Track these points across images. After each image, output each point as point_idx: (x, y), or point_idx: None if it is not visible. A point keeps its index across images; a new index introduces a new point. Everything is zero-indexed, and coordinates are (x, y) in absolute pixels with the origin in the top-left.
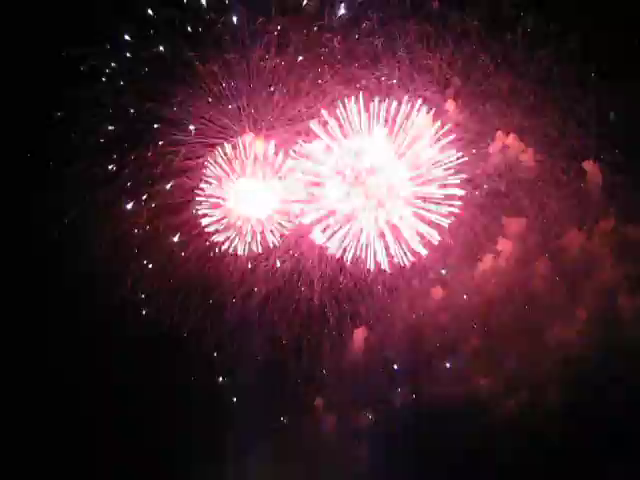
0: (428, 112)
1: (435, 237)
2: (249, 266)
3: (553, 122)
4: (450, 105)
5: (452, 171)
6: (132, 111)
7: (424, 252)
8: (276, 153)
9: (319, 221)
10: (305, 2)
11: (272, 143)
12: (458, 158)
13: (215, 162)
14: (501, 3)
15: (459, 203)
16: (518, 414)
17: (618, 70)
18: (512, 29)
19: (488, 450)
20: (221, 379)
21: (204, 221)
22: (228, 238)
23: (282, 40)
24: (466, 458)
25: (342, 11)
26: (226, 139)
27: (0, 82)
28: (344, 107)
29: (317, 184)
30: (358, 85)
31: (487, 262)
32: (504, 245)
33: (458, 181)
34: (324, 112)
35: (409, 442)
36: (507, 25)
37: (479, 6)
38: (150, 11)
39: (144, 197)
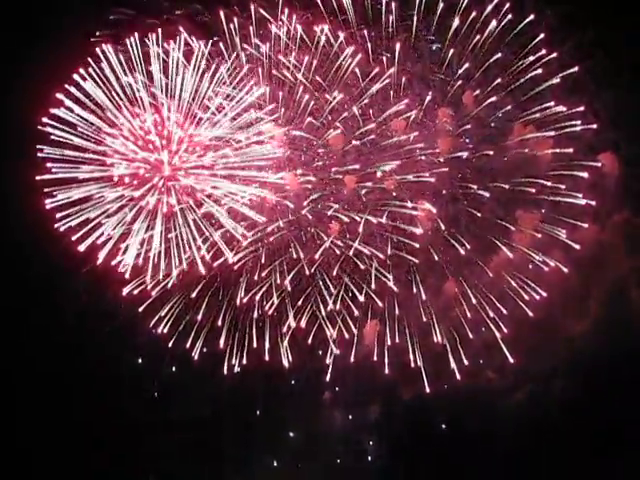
0: (447, 106)
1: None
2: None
3: (571, 114)
4: (468, 98)
5: None
6: None
7: None
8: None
9: None
10: None
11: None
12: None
13: None
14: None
15: None
16: (526, 407)
17: (636, 62)
18: (532, 23)
19: (496, 441)
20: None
21: None
22: None
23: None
24: (474, 451)
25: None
26: None
27: None
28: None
29: None
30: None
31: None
32: (518, 238)
33: None
34: None
35: (419, 433)
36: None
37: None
38: None
39: None
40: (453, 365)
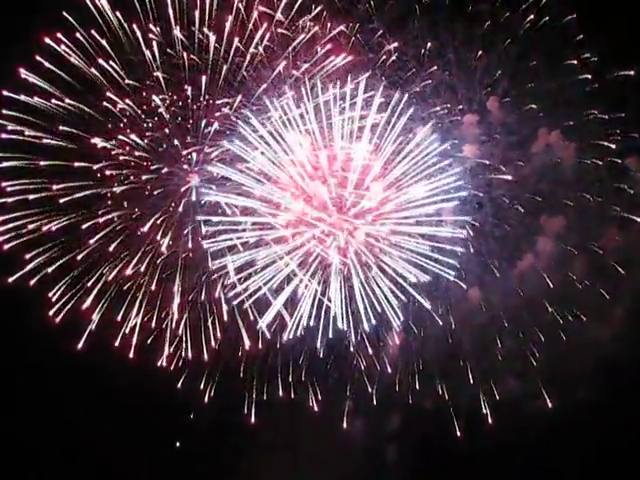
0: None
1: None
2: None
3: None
4: (493, 104)
5: None
6: None
7: None
8: None
9: None
10: None
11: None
12: None
13: None
14: (547, 7)
15: None
16: (550, 413)
17: None
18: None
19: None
20: None
21: None
22: None
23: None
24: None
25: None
26: None
27: None
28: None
29: None
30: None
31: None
32: (543, 244)
33: None
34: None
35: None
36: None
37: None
38: None
39: None
40: (486, 411)
